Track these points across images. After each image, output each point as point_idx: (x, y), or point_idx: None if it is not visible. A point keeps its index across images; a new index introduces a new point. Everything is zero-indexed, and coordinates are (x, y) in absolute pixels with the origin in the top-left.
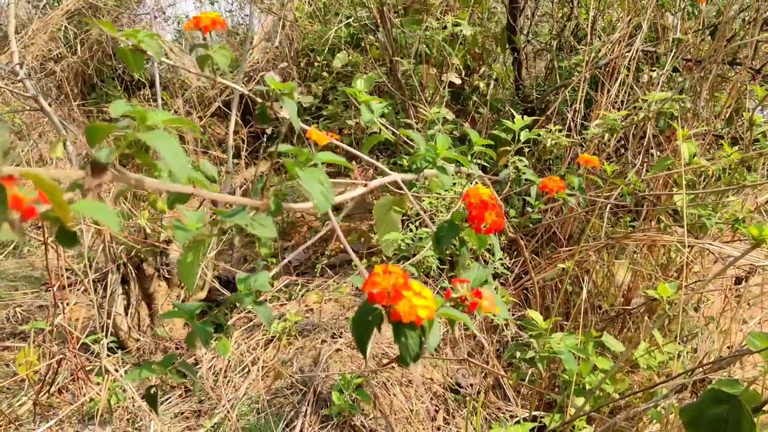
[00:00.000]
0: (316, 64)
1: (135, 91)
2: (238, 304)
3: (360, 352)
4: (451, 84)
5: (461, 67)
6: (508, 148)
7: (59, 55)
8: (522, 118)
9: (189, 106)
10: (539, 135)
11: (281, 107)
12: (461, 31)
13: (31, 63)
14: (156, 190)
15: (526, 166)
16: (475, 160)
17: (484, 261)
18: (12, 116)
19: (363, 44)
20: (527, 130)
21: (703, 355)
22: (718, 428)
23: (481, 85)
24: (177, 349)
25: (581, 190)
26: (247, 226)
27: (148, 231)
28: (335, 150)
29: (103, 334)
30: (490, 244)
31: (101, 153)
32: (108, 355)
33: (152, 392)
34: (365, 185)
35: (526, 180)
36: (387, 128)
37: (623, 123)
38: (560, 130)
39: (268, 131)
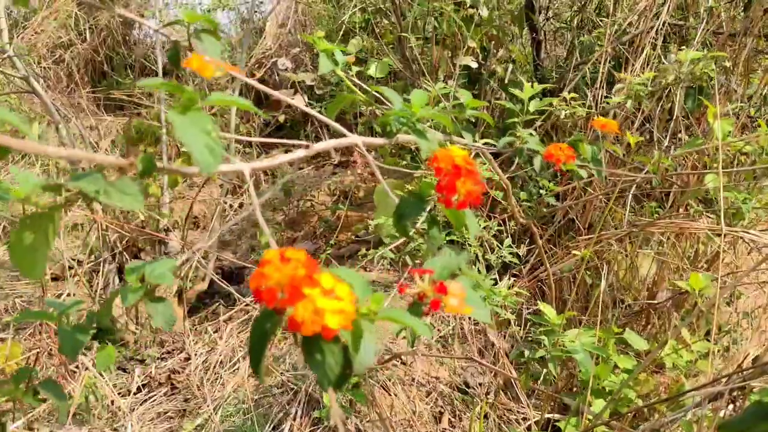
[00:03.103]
0: None
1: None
2: (237, 296)
3: (253, 371)
4: (468, 68)
5: (478, 50)
6: (516, 120)
7: (69, 42)
8: (532, 86)
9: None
10: (551, 105)
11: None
12: (477, 12)
13: (41, 50)
14: None
15: (530, 134)
16: (485, 139)
17: (491, 249)
18: (10, 98)
19: (377, 30)
20: (538, 99)
21: (742, 357)
22: None
23: (499, 69)
24: (175, 342)
25: (596, 161)
26: (99, 192)
27: (142, 218)
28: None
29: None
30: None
31: None
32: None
33: (2, 420)
34: (306, 147)
35: (528, 150)
36: (361, 88)
37: (651, 87)
38: (575, 99)
39: (281, 119)
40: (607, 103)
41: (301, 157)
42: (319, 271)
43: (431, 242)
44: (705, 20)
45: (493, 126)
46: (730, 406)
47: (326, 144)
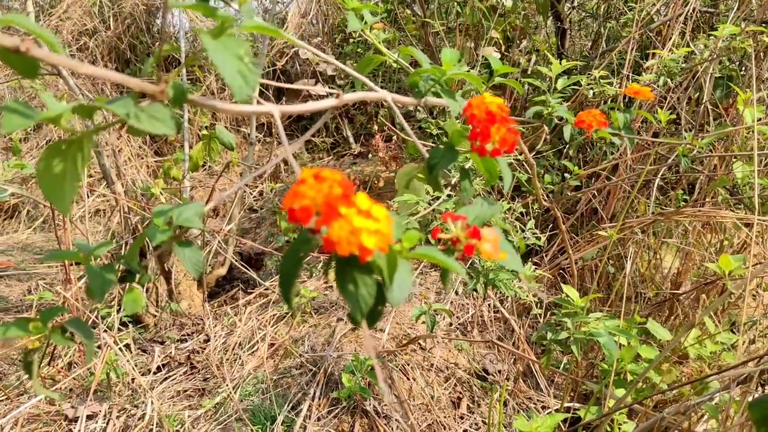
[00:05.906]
0: (351, 40)
1: (169, 68)
2: (258, 280)
3: (284, 301)
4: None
5: (501, 40)
6: (543, 98)
7: (93, 30)
8: (560, 62)
9: (221, 82)
10: (579, 83)
11: None
12: (501, 2)
13: (66, 37)
14: None
15: (559, 102)
16: None
17: (514, 232)
18: (35, 82)
19: (400, 20)
20: (566, 78)
21: None
22: None
23: (522, 60)
24: (194, 325)
25: (628, 129)
26: (129, 116)
27: (163, 201)
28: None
29: (116, 308)
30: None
31: None
32: (120, 330)
33: (29, 359)
34: (337, 96)
35: (558, 119)
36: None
37: (683, 65)
38: (604, 78)
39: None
40: (637, 82)
41: (331, 106)
42: (355, 192)
43: (463, 194)
44: (736, 8)
45: (518, 87)
46: (759, 390)
47: (356, 95)
